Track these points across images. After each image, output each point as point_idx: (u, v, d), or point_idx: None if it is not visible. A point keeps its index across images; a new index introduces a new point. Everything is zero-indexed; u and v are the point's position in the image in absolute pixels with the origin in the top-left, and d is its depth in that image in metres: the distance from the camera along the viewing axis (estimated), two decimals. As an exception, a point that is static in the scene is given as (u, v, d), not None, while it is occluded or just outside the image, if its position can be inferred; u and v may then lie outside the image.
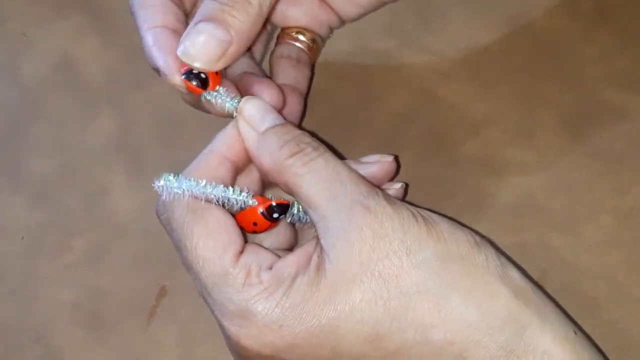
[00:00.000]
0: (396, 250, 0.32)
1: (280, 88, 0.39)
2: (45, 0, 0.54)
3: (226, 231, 0.33)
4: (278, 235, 0.38)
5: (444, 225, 0.33)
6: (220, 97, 0.36)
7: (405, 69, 0.49)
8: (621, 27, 0.49)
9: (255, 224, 0.35)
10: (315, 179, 0.33)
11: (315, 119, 0.47)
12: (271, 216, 0.35)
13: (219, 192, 0.34)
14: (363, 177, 0.34)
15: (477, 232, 0.34)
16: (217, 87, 0.36)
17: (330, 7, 0.45)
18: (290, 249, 0.39)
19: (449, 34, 0.50)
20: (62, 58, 0.52)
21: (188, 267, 0.34)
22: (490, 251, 0.33)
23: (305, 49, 0.45)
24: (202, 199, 0.34)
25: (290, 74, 0.44)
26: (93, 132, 0.49)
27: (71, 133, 0.49)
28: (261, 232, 0.36)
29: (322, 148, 0.34)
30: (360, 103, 0.47)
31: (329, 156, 0.34)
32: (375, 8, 0.46)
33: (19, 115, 0.50)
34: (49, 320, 0.43)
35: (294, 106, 0.43)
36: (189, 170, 0.36)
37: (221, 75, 0.37)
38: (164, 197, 0.34)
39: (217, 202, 0.34)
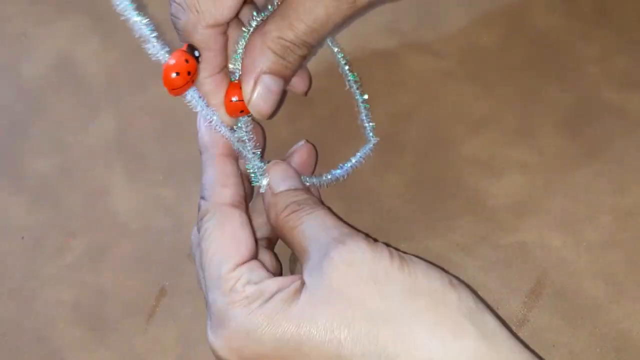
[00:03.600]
0: (364, 278, 0.34)
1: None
2: (45, 1, 0.54)
3: (237, 242, 0.37)
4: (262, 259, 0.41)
5: (420, 266, 0.35)
6: (251, 161, 0.41)
7: (405, 69, 0.49)
8: (620, 27, 0.49)
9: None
10: (304, 228, 0.37)
11: (315, 119, 0.47)
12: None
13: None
14: (347, 225, 0.37)
15: (456, 277, 0.35)
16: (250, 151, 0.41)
17: None
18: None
19: (449, 34, 0.50)
20: (62, 58, 0.52)
21: (200, 264, 0.38)
22: (466, 293, 0.34)
23: None
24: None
25: None
26: (93, 132, 0.49)
27: (71, 133, 0.49)
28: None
29: (319, 207, 0.38)
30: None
31: (321, 212, 0.38)
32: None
33: (19, 115, 0.50)
34: (49, 320, 0.43)
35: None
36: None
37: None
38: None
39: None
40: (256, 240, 0.39)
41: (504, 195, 0.44)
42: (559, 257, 0.42)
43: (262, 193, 0.41)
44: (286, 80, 0.40)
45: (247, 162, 0.41)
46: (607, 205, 0.43)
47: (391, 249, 0.35)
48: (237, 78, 0.40)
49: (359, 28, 0.50)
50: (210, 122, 0.39)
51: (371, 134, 0.46)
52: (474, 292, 0.35)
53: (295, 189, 0.40)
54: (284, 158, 0.44)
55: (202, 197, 0.39)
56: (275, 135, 0.47)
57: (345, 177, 0.45)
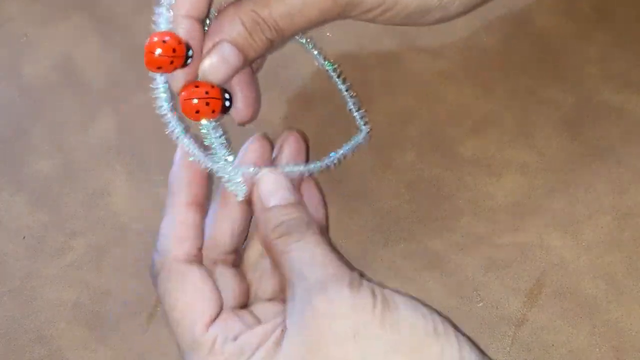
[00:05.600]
0: (344, 333, 0.32)
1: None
2: (46, 1, 0.54)
3: (202, 298, 0.36)
4: (268, 283, 0.40)
5: (403, 312, 0.33)
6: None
7: (405, 69, 0.49)
8: (620, 28, 0.49)
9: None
10: (293, 259, 0.35)
11: (315, 119, 0.47)
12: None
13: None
14: (338, 259, 0.35)
15: (440, 314, 0.34)
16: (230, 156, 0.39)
17: None
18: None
19: (449, 35, 0.50)
20: (62, 59, 0.52)
21: (169, 325, 0.37)
22: (450, 342, 0.33)
23: None
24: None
25: None
26: (94, 132, 0.49)
27: (72, 133, 0.49)
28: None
29: (309, 233, 0.36)
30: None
31: (311, 240, 0.36)
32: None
33: (20, 115, 0.50)
34: (49, 320, 0.43)
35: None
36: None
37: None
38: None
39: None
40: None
41: (504, 195, 0.44)
42: (559, 257, 0.42)
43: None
44: (246, 58, 0.39)
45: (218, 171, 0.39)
46: (606, 205, 0.43)
47: (377, 292, 0.34)
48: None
49: (359, 28, 0.50)
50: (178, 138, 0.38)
51: (362, 123, 0.44)
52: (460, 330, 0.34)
53: (287, 205, 0.37)
54: (275, 153, 0.42)
55: (156, 249, 0.38)
56: (274, 137, 0.47)
57: (335, 164, 0.43)
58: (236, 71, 0.39)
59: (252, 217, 0.40)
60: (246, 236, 0.41)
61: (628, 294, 0.41)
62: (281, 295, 0.40)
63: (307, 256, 0.35)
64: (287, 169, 0.40)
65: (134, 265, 0.44)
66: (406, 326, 0.33)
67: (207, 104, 0.38)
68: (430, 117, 0.47)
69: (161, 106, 0.38)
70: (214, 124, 0.39)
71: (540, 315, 0.40)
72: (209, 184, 0.40)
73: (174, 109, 0.38)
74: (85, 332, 0.43)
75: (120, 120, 0.49)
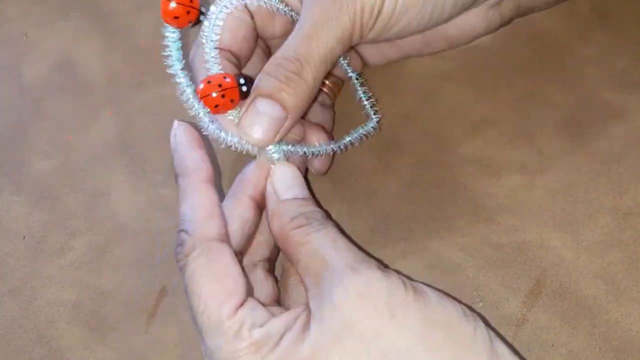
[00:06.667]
0: (380, 311, 0.32)
1: (328, 133, 0.43)
2: (47, 1, 0.54)
3: (233, 281, 0.35)
4: (262, 290, 0.39)
5: (433, 295, 0.33)
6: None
7: (406, 69, 0.49)
8: (620, 28, 0.49)
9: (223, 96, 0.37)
10: (313, 247, 0.35)
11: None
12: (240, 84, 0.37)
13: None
14: (359, 249, 0.35)
15: (468, 306, 0.34)
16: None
17: (359, 54, 0.47)
18: (276, 303, 0.39)
19: (449, 35, 0.50)
20: (63, 59, 0.52)
21: (190, 307, 0.35)
22: (480, 324, 0.33)
23: (329, 92, 0.47)
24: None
25: (318, 116, 0.45)
26: (94, 132, 0.49)
27: (72, 133, 0.49)
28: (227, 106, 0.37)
29: (329, 224, 0.36)
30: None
31: (332, 230, 0.35)
32: (398, 59, 0.48)
33: (20, 115, 0.50)
34: (49, 320, 0.43)
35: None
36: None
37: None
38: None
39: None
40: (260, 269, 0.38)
41: (504, 195, 0.44)
42: (559, 257, 0.42)
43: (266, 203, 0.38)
44: (286, 108, 0.38)
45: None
46: (606, 205, 0.43)
47: (404, 278, 0.34)
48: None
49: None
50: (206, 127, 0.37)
51: (372, 112, 0.44)
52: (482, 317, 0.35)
53: (303, 199, 0.37)
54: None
55: (184, 231, 0.36)
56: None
57: (342, 151, 0.43)
58: (281, 125, 0.38)
59: (260, 220, 0.39)
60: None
61: (628, 294, 0.41)
62: (274, 304, 0.39)
63: (330, 244, 0.35)
64: (296, 148, 0.40)
65: (134, 265, 0.44)
66: (438, 307, 0.33)
67: (223, 96, 0.37)
68: (431, 117, 0.47)
69: (172, 65, 0.37)
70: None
71: (540, 315, 0.40)
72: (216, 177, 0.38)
73: (185, 70, 0.37)
74: (85, 332, 0.43)
75: (120, 121, 0.49)
